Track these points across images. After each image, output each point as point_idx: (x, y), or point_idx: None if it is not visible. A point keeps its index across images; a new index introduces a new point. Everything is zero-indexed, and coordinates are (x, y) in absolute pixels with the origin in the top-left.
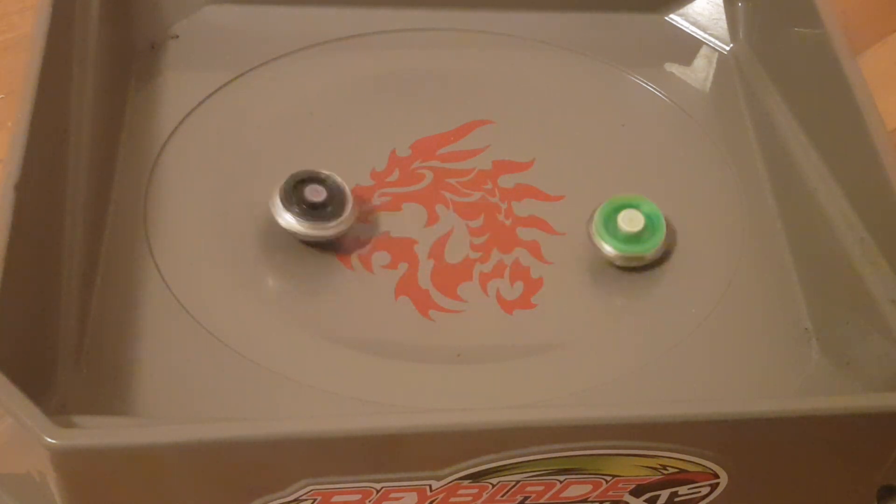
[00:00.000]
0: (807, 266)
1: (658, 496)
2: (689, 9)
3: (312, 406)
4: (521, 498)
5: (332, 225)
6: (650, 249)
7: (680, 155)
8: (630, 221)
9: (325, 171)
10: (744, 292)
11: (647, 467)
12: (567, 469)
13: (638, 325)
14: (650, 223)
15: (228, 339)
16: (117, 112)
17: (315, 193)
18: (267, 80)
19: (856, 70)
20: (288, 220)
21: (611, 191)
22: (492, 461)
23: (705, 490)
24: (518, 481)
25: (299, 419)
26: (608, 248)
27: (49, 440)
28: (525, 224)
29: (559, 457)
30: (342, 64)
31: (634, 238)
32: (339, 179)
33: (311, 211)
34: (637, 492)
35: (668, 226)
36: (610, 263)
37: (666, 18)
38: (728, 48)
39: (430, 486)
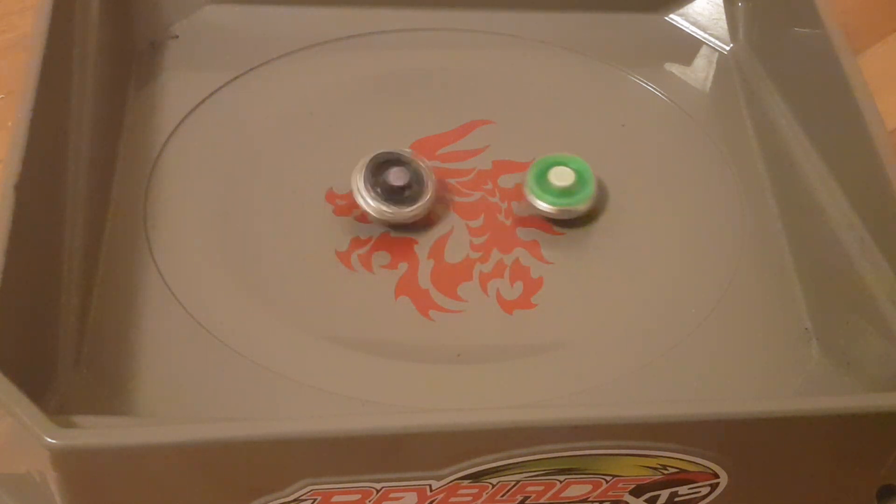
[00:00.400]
0: (807, 266)
1: (658, 496)
2: (689, 9)
3: (312, 406)
4: (521, 498)
5: (412, 209)
6: (582, 202)
7: (680, 155)
8: (561, 177)
9: (406, 153)
10: (744, 292)
11: (647, 467)
12: (567, 469)
13: (638, 325)
14: (580, 178)
15: (228, 339)
16: (117, 112)
17: (397, 177)
18: (267, 80)
19: (856, 70)
20: (369, 202)
21: (611, 191)
22: (492, 461)
23: (705, 490)
24: (518, 481)
25: (299, 419)
26: (542, 204)
27: (49, 440)
28: (525, 224)
29: (559, 457)
30: (342, 64)
31: (566, 192)
32: (422, 163)
33: (391, 194)
34: (637, 492)
35: (598, 181)
36: (546, 219)
37: (666, 18)
38: (728, 48)
39: (430, 486)
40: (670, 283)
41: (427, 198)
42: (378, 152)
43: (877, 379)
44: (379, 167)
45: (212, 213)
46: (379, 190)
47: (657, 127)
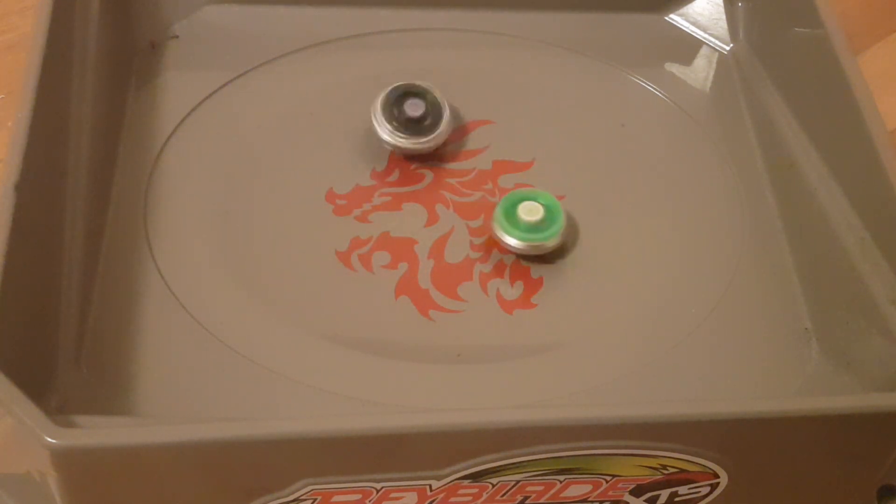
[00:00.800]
0: (807, 266)
1: (658, 496)
2: (689, 9)
3: (312, 406)
4: (521, 498)
5: (428, 139)
6: (550, 238)
7: (680, 155)
8: (530, 212)
9: (422, 84)
10: (744, 292)
11: (647, 467)
12: (567, 469)
13: (638, 325)
14: (549, 213)
15: (228, 339)
16: (117, 112)
17: (413, 108)
18: (267, 80)
19: (856, 70)
20: (386, 133)
21: (611, 190)
22: (492, 461)
23: (705, 490)
24: (518, 481)
25: (299, 419)
26: (511, 240)
27: (49, 440)
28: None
29: (559, 457)
30: (342, 64)
31: (535, 227)
32: (437, 95)
33: (409, 125)
34: (637, 492)
35: (568, 216)
36: (515, 255)
37: (666, 18)
38: (728, 48)
39: (430, 486)
40: (670, 283)
41: (441, 129)
42: (396, 84)
43: (877, 379)
44: (398, 99)
45: (212, 213)
46: (395, 123)
47: (657, 127)
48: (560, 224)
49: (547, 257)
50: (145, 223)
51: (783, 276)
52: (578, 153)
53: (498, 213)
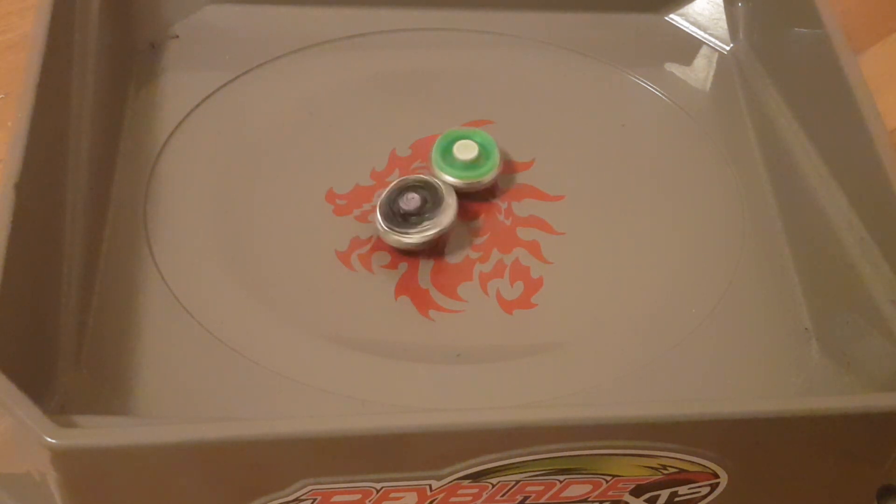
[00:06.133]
0: (807, 266)
1: (658, 496)
2: (689, 9)
3: (312, 406)
4: (521, 498)
5: (422, 235)
6: (486, 174)
7: (680, 155)
8: (465, 150)
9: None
10: (744, 292)
11: (647, 467)
12: (567, 469)
13: (638, 325)
14: (484, 151)
15: (228, 339)
16: (117, 112)
17: (408, 202)
18: (267, 80)
19: (856, 70)
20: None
21: (611, 190)
22: (492, 461)
23: (705, 490)
24: (518, 481)
25: (299, 419)
26: (447, 177)
27: (49, 440)
28: (525, 224)
29: (559, 457)
30: (342, 64)
31: (471, 165)
32: (435, 182)
33: (408, 219)
34: (637, 492)
35: (502, 152)
36: (453, 190)
37: (666, 18)
38: (728, 48)
39: (430, 486)
40: (670, 283)
41: (440, 225)
42: (401, 179)
43: (877, 379)
44: (400, 192)
45: (212, 212)
46: (393, 216)
47: (657, 127)
48: (495, 161)
49: (547, 258)
50: (145, 223)
51: (783, 276)
52: (578, 153)
53: (434, 152)
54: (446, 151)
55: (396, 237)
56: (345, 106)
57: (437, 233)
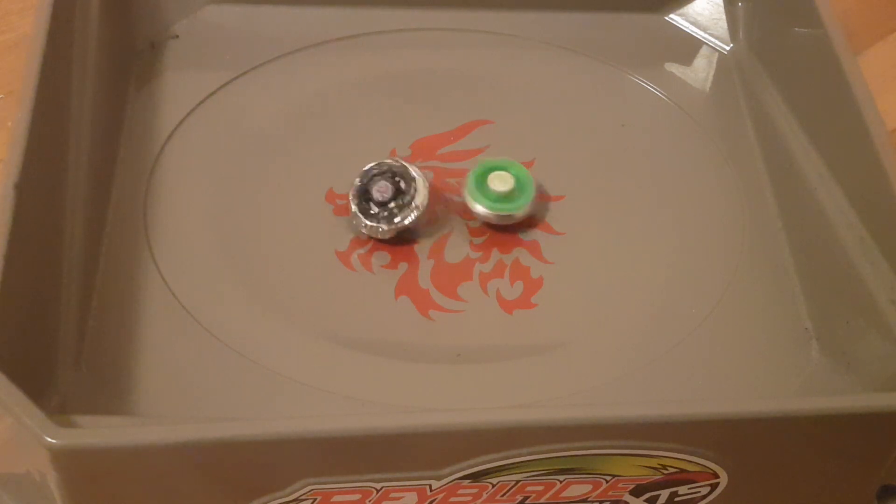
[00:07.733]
0: (807, 266)
1: (658, 496)
2: (689, 9)
3: (313, 406)
4: (521, 498)
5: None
6: (520, 208)
7: (680, 155)
8: (501, 182)
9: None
10: (744, 292)
11: (647, 467)
12: (567, 469)
13: (638, 325)
14: (519, 184)
15: (228, 339)
16: (117, 112)
17: (380, 191)
18: (267, 80)
19: (856, 70)
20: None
21: (611, 190)
22: (492, 461)
23: (705, 490)
24: (518, 481)
25: (299, 419)
26: (480, 209)
27: (49, 440)
28: (525, 224)
29: (559, 457)
30: (342, 64)
31: (505, 198)
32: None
33: (381, 207)
34: (637, 492)
35: (538, 186)
36: (484, 223)
37: (666, 18)
38: (728, 48)
39: (430, 486)
40: (670, 283)
41: (414, 212)
42: (368, 166)
43: (877, 379)
44: (371, 180)
45: (212, 212)
46: (368, 204)
47: (657, 127)
48: (530, 195)
49: (547, 258)
50: (145, 223)
51: (783, 276)
52: (578, 153)
53: (469, 181)
54: (480, 181)
55: (373, 225)
56: (345, 106)
57: (416, 217)
